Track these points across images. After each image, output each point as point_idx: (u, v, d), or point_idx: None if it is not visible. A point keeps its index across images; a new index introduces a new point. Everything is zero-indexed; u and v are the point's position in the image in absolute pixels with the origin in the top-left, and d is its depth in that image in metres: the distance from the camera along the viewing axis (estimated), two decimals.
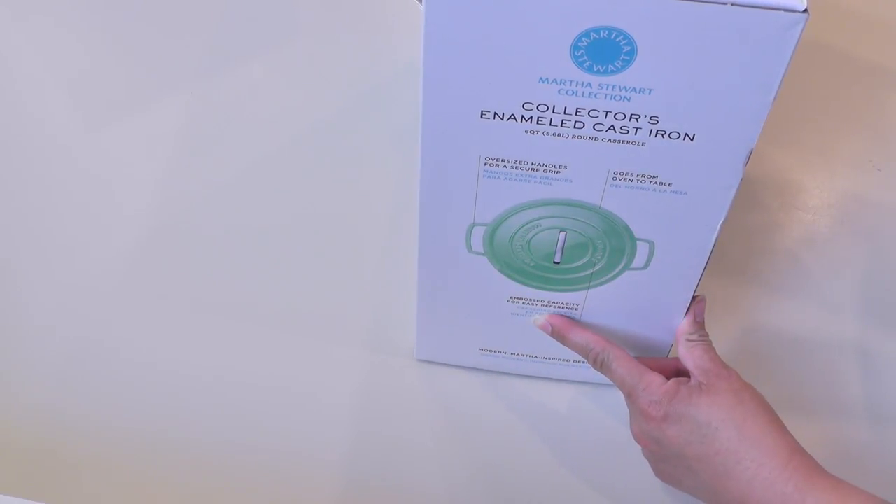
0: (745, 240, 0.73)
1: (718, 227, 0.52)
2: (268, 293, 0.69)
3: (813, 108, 0.81)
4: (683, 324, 0.58)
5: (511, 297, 0.58)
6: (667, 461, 0.56)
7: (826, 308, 0.70)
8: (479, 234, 0.54)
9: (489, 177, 0.51)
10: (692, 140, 0.47)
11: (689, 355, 0.56)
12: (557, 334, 0.59)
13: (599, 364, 0.57)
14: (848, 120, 0.81)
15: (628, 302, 0.58)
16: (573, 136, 0.48)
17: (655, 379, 0.55)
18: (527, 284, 0.57)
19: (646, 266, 0.55)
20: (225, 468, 0.62)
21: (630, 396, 0.56)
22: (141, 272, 0.70)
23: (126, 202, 0.74)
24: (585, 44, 0.43)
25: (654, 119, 0.46)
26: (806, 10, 0.41)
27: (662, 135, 0.47)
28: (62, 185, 0.75)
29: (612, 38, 0.43)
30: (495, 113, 0.47)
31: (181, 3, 0.86)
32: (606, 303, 0.58)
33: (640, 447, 0.58)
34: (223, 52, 0.83)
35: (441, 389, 0.65)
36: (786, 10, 0.41)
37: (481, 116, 0.47)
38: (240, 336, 0.67)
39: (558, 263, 0.55)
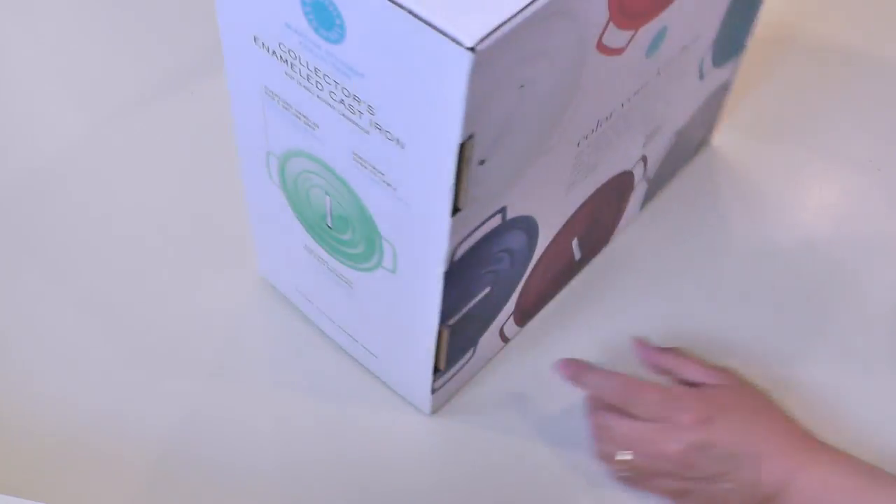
0: (746, 240, 0.72)
1: (443, 263, 0.49)
2: None
3: (813, 108, 0.81)
4: (644, 348, 0.62)
5: (305, 247, 0.59)
6: (703, 468, 0.55)
7: (826, 308, 0.69)
8: (274, 165, 0.56)
9: (271, 110, 0.52)
10: (403, 148, 0.46)
11: (674, 363, 0.61)
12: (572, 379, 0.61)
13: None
14: (848, 120, 0.80)
15: (384, 305, 0.56)
16: (318, 97, 0.48)
17: (676, 389, 0.59)
18: (314, 240, 0.58)
19: (394, 270, 0.53)
20: (225, 468, 0.61)
21: (658, 419, 0.56)
22: (140, 272, 0.70)
23: (126, 201, 0.74)
24: (311, 0, 0.44)
25: (371, 109, 0.45)
26: (474, 49, 0.39)
27: (379, 130, 0.46)
28: (62, 184, 0.74)
29: (325, 4, 0.43)
30: (263, 42, 0.49)
31: (181, 2, 0.86)
32: (370, 295, 0.57)
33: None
34: (223, 52, 0.83)
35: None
36: (452, 38, 0.39)
37: (255, 42, 0.49)
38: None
39: (331, 228, 0.55)
